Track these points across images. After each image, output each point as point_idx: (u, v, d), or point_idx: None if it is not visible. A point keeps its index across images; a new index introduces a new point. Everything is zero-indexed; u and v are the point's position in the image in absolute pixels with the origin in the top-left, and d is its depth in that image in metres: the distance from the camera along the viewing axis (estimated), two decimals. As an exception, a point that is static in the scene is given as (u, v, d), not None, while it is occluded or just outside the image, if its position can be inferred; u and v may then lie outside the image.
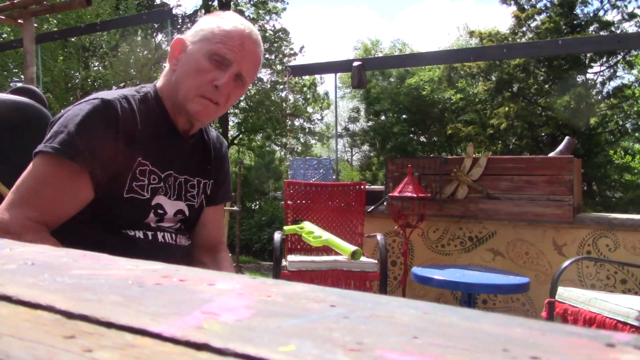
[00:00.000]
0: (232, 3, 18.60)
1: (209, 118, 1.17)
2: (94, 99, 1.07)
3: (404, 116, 18.43)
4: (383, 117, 19.47)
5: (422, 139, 19.21)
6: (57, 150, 1.00)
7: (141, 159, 1.10)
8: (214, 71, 1.11)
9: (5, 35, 9.70)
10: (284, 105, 16.88)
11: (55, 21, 9.39)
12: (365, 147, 21.41)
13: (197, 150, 1.26)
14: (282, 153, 18.44)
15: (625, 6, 14.85)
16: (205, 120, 1.17)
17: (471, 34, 17.24)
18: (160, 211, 1.16)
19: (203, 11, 19.00)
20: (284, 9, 19.09)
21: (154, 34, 13.73)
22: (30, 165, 1.03)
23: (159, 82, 1.21)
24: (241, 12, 19.01)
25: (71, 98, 10.80)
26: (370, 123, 20.18)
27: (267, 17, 19.14)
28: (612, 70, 15.19)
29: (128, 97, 1.12)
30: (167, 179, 1.17)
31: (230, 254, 1.43)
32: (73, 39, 10.13)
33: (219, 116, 1.25)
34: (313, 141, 21.50)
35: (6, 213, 0.99)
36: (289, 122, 16.75)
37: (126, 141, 1.07)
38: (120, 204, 1.09)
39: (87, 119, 1.03)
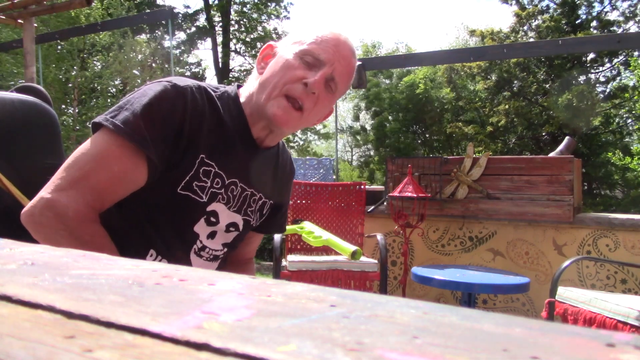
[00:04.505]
0: (232, 4, 18.61)
1: (289, 125, 1.03)
2: (166, 81, 0.99)
3: (402, 114, 18.40)
4: (384, 114, 19.45)
5: (421, 137, 19.19)
6: (120, 129, 0.92)
7: (204, 157, 1.01)
8: (305, 70, 1.01)
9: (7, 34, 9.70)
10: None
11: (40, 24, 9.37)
12: (365, 146, 21.45)
13: (268, 165, 1.16)
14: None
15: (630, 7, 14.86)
16: (284, 126, 1.03)
17: (472, 32, 17.22)
18: (212, 219, 1.06)
19: (204, 11, 19.02)
20: (286, 17, 19.32)
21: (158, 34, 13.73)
22: (89, 140, 0.96)
23: (243, 87, 1.12)
24: (242, 12, 19.04)
25: (69, 101, 10.81)
26: (371, 120, 20.19)
27: (266, 18, 19.19)
28: (613, 72, 15.19)
29: (202, 87, 1.03)
30: (229, 186, 1.07)
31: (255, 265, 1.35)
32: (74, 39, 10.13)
33: (301, 127, 1.12)
34: (312, 138, 21.51)
35: (63, 195, 0.90)
36: None
37: (190, 134, 0.98)
38: (171, 200, 1.00)
39: (154, 101, 0.95)
